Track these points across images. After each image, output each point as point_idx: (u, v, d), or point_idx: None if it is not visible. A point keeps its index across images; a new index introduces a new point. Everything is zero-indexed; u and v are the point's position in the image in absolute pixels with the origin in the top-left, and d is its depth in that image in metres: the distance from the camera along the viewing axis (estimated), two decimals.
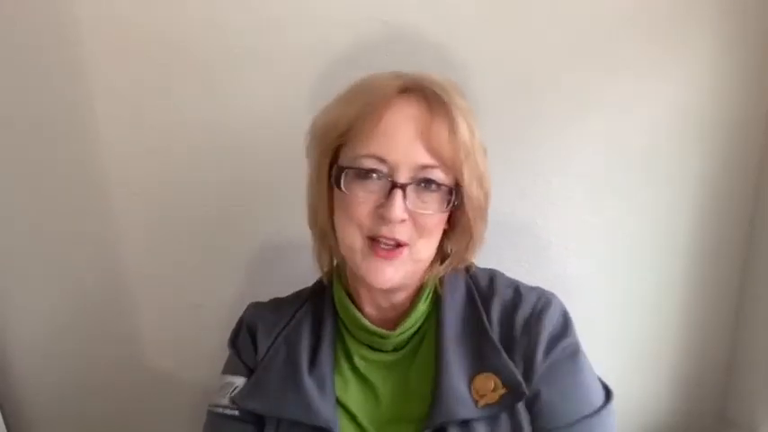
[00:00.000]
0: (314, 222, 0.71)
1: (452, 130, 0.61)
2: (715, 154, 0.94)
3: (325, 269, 0.75)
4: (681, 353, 1.03)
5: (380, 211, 0.61)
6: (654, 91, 0.91)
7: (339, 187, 0.63)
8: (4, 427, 1.05)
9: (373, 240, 0.63)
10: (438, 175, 0.62)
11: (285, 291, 0.81)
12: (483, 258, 0.78)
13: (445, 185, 0.63)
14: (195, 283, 1.02)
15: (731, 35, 0.89)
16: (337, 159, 0.65)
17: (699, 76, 0.90)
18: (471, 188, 0.64)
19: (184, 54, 0.91)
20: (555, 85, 0.91)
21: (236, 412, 0.70)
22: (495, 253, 0.98)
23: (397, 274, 0.64)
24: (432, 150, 0.61)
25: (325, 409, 0.65)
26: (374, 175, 0.61)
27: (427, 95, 0.63)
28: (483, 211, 0.68)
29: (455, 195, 0.63)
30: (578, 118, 0.93)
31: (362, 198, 0.62)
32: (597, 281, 1.00)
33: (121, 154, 0.96)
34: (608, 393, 0.69)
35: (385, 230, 0.62)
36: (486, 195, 0.68)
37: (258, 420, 0.70)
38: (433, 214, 0.63)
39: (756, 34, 0.89)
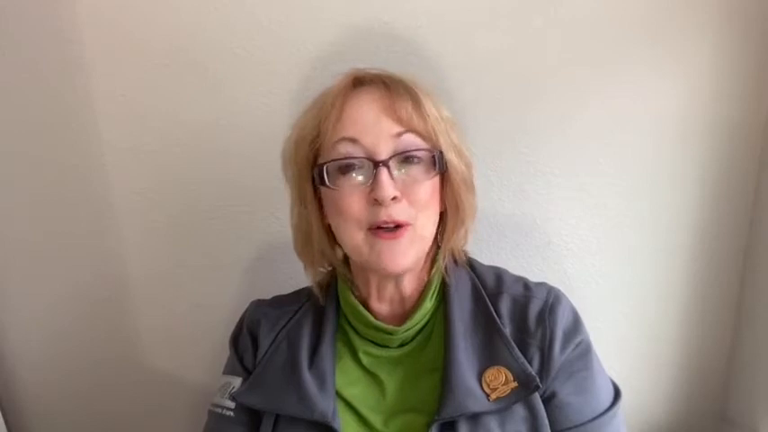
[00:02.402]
0: (307, 247, 0.71)
1: (416, 102, 0.63)
2: (715, 154, 0.94)
3: (318, 279, 0.75)
4: (681, 353, 1.03)
5: (372, 196, 0.61)
6: (654, 91, 0.91)
7: (324, 184, 0.63)
8: (4, 426, 1.05)
9: (374, 231, 0.63)
10: (414, 140, 0.63)
11: (285, 291, 0.81)
12: (484, 258, 0.78)
13: (425, 150, 0.63)
14: (195, 283, 1.02)
15: (732, 36, 0.89)
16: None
17: (699, 77, 0.90)
18: (451, 156, 0.65)
19: (184, 54, 0.91)
20: (555, 85, 0.91)
21: (232, 413, 0.71)
22: (495, 253, 0.99)
23: (408, 255, 0.63)
24: (401, 121, 0.62)
25: (322, 404, 0.65)
26: (354, 163, 0.62)
27: (384, 80, 0.64)
28: (468, 182, 0.68)
29: (438, 160, 0.64)
30: (578, 118, 0.93)
31: (349, 189, 0.62)
32: (597, 281, 1.00)
33: (121, 154, 0.96)
34: (617, 390, 0.69)
35: (383, 215, 0.61)
36: (468, 167, 0.68)
37: (255, 421, 0.70)
38: (422, 183, 0.63)
39: (757, 35, 0.89)
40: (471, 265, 0.75)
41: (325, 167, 0.63)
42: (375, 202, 0.61)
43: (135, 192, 0.98)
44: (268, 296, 0.81)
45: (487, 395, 0.63)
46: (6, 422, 1.06)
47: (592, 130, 0.93)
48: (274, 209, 0.97)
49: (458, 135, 0.68)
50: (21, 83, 0.93)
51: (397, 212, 0.62)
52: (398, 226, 0.63)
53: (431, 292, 0.70)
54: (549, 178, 0.96)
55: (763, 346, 0.95)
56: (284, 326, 0.74)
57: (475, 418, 0.63)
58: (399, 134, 0.62)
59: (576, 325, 0.68)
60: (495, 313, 0.68)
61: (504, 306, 0.69)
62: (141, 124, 0.95)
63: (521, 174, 0.95)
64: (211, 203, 0.98)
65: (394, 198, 0.61)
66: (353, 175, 0.62)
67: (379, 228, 0.62)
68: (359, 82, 0.65)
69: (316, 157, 0.66)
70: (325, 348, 0.69)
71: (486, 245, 0.98)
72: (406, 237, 0.63)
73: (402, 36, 0.90)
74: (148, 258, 1.01)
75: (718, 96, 0.91)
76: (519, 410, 0.64)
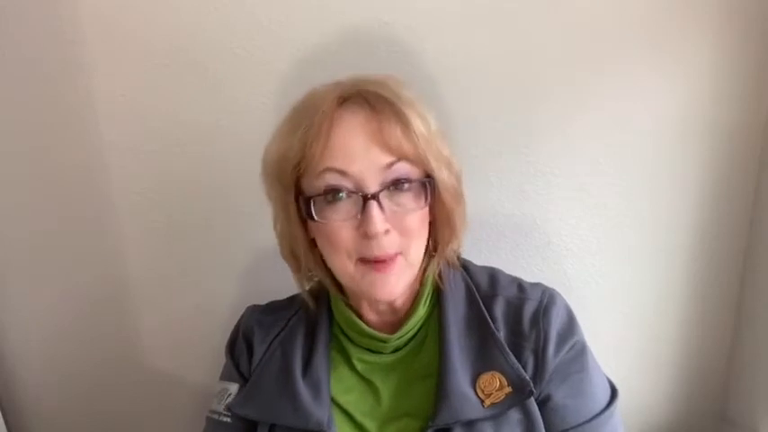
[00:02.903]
0: (291, 259, 0.70)
1: (404, 124, 0.59)
2: (715, 154, 0.94)
3: (307, 288, 0.74)
4: (681, 353, 1.03)
5: (362, 230, 0.59)
6: (654, 92, 0.91)
7: (312, 218, 0.61)
8: (4, 426, 1.05)
9: (365, 261, 0.62)
10: (405, 168, 0.60)
11: (285, 292, 0.80)
12: (483, 259, 0.78)
13: (415, 180, 0.61)
14: (195, 284, 1.02)
15: (732, 36, 0.89)
16: (301, 192, 0.63)
17: (699, 77, 0.90)
18: (442, 175, 0.63)
19: (184, 54, 0.91)
20: (555, 86, 0.91)
21: (229, 419, 0.71)
22: (495, 253, 0.99)
23: (398, 285, 0.63)
24: (390, 150, 0.59)
25: (317, 412, 0.65)
26: (342, 194, 0.59)
27: (368, 99, 0.61)
28: (458, 194, 0.67)
29: (429, 187, 0.62)
30: (578, 118, 0.93)
31: (338, 223, 0.60)
32: (597, 281, 1.00)
33: (121, 154, 0.96)
34: (613, 390, 0.69)
35: (375, 249, 0.60)
36: (458, 178, 0.67)
37: (251, 428, 0.70)
38: (414, 211, 0.61)
39: (757, 35, 0.89)
40: (465, 267, 0.74)
41: (312, 201, 0.60)
42: (365, 234, 0.59)
43: (135, 192, 0.98)
44: (268, 297, 0.81)
45: (482, 401, 0.63)
46: (6, 422, 1.06)
47: (592, 131, 0.93)
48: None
49: (445, 144, 0.65)
50: (21, 83, 0.93)
51: (389, 245, 0.60)
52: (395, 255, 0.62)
53: (423, 299, 0.69)
54: (549, 178, 0.96)
55: (763, 346, 0.95)
56: (278, 334, 0.73)
57: (470, 424, 0.63)
58: (390, 165, 0.59)
59: (570, 326, 0.68)
60: (488, 317, 0.68)
61: (499, 309, 0.68)
62: (141, 124, 0.95)
63: (521, 174, 0.95)
64: (211, 203, 0.98)
65: (385, 231, 0.59)
66: (341, 203, 0.60)
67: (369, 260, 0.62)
68: (343, 99, 0.62)
69: (299, 176, 0.63)
70: (319, 357, 0.69)
71: (486, 245, 0.98)
72: (396, 268, 0.62)
73: (402, 36, 0.90)
74: (148, 259, 1.01)
75: (718, 96, 0.91)
76: (514, 415, 0.64)
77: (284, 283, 0.81)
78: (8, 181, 0.98)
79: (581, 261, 0.99)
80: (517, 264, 0.99)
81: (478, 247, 0.98)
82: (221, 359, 0.79)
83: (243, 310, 0.80)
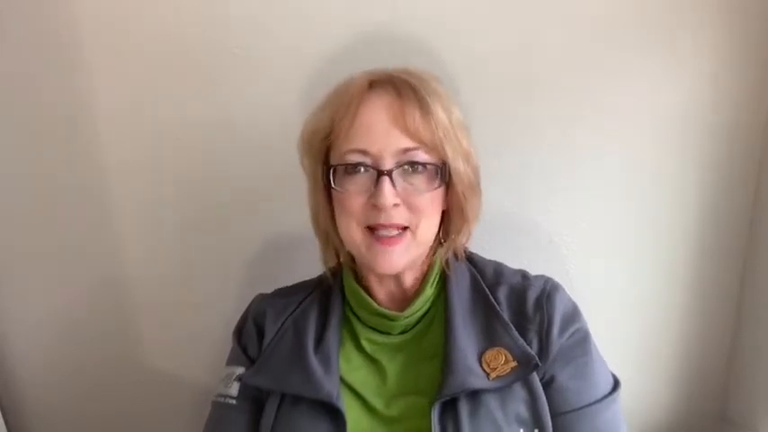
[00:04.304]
0: (317, 228, 0.74)
1: (425, 111, 0.64)
2: (716, 154, 0.94)
3: (331, 265, 0.76)
4: (681, 353, 1.03)
5: (372, 201, 0.63)
6: (654, 92, 0.91)
7: (331, 185, 0.66)
8: (4, 427, 1.05)
9: (373, 231, 0.65)
10: (421, 156, 0.64)
11: None
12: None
13: (430, 164, 0.65)
14: (195, 283, 1.02)
15: (732, 36, 0.89)
16: (327, 163, 0.68)
17: (699, 77, 0.90)
18: (458, 164, 0.66)
19: (184, 54, 0.91)
20: (556, 87, 0.91)
21: (234, 401, 0.72)
22: (495, 253, 0.98)
23: (401, 259, 0.66)
24: (409, 134, 0.63)
25: (328, 384, 0.67)
26: (361, 168, 0.64)
27: (395, 83, 0.65)
28: (474, 186, 0.70)
29: (442, 173, 0.65)
30: (579, 119, 0.93)
31: (354, 191, 0.65)
32: (597, 281, 1.00)
33: (121, 154, 0.96)
34: (616, 380, 0.71)
35: (382, 218, 0.64)
36: (475, 171, 0.70)
37: (257, 410, 0.71)
38: (423, 193, 0.65)
39: (757, 35, 0.89)
40: (471, 259, 0.77)
41: (332, 170, 0.66)
42: (375, 206, 0.63)
43: (135, 192, 0.98)
44: None
45: (487, 374, 0.65)
46: (6, 422, 1.06)
47: (592, 130, 0.93)
48: (274, 209, 0.97)
49: (467, 138, 0.69)
50: (20, 84, 0.93)
51: (396, 217, 0.64)
52: (403, 229, 0.65)
53: (431, 280, 0.71)
54: (549, 178, 0.96)
55: (763, 346, 0.95)
56: (291, 314, 0.75)
57: (475, 396, 0.64)
58: (407, 150, 0.63)
59: (573, 312, 0.70)
60: (493, 299, 0.70)
61: (503, 294, 0.71)
62: (141, 124, 0.95)
63: (521, 174, 0.95)
64: (211, 203, 0.98)
65: (394, 205, 0.63)
66: (359, 176, 0.65)
67: (377, 230, 0.65)
68: (373, 83, 0.66)
69: (328, 148, 0.68)
70: (331, 334, 0.71)
71: (487, 244, 0.98)
72: (403, 243, 0.65)
73: (402, 37, 0.90)
74: (148, 258, 1.01)
75: (719, 96, 0.91)
76: (519, 392, 0.65)
77: (284, 282, 0.81)
78: (8, 181, 0.98)
79: (581, 260, 0.99)
80: (518, 263, 0.97)
81: (480, 245, 0.98)
82: (221, 358, 0.79)
83: (243, 308, 0.80)
